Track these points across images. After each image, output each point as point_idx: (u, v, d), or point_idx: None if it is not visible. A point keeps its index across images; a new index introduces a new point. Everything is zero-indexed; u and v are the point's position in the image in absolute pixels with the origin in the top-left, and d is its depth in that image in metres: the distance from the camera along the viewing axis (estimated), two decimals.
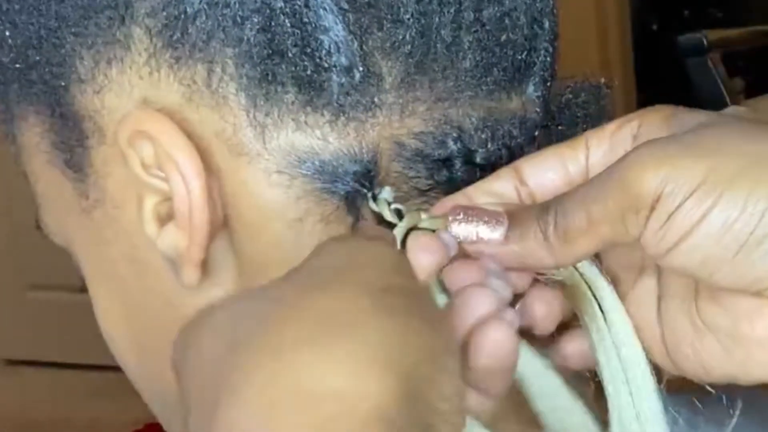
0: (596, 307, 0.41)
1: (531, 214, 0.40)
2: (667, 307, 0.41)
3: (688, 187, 0.37)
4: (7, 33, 0.46)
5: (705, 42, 1.73)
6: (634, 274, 0.42)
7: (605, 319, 0.41)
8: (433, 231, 0.40)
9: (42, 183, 0.48)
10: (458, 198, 0.42)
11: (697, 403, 0.44)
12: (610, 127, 0.42)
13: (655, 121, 0.41)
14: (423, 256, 0.39)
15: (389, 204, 0.42)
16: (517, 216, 0.40)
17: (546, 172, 0.42)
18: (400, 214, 0.42)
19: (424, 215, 0.41)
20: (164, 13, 0.42)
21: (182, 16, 0.41)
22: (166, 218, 0.43)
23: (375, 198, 0.42)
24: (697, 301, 0.40)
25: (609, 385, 0.41)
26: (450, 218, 0.40)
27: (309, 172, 0.42)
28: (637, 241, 0.38)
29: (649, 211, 0.37)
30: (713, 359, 0.40)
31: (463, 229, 0.40)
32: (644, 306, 0.42)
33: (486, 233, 0.40)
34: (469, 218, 0.40)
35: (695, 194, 0.37)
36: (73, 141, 0.45)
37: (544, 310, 0.41)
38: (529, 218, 0.40)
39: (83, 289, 0.50)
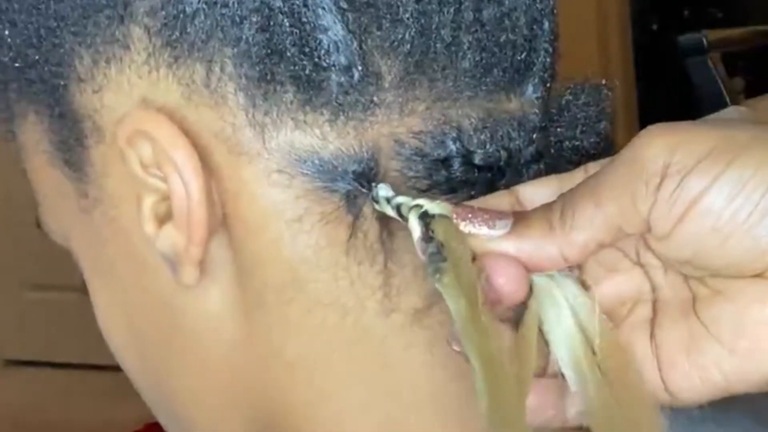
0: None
1: (536, 210, 0.40)
2: (660, 326, 0.40)
3: (699, 152, 0.37)
4: (7, 32, 0.46)
5: (705, 42, 1.73)
6: (627, 308, 0.41)
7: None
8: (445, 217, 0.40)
9: (42, 182, 0.48)
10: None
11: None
12: (613, 157, 0.42)
13: None
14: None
15: (388, 201, 0.42)
16: (523, 214, 0.40)
17: (541, 192, 0.41)
18: (400, 210, 0.41)
19: (422, 201, 0.41)
20: (163, 13, 0.42)
21: (181, 15, 0.41)
22: (164, 217, 0.43)
23: (375, 199, 0.42)
24: (696, 305, 0.40)
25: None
26: (455, 217, 0.40)
27: (309, 171, 0.42)
28: (644, 223, 0.38)
29: (660, 180, 0.37)
30: (712, 361, 0.39)
31: (469, 225, 0.40)
32: (636, 331, 0.41)
33: (491, 224, 0.40)
34: (475, 213, 0.40)
35: (708, 158, 0.36)
36: (72, 140, 0.45)
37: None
38: (535, 213, 0.40)
39: (83, 289, 0.50)
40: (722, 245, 0.37)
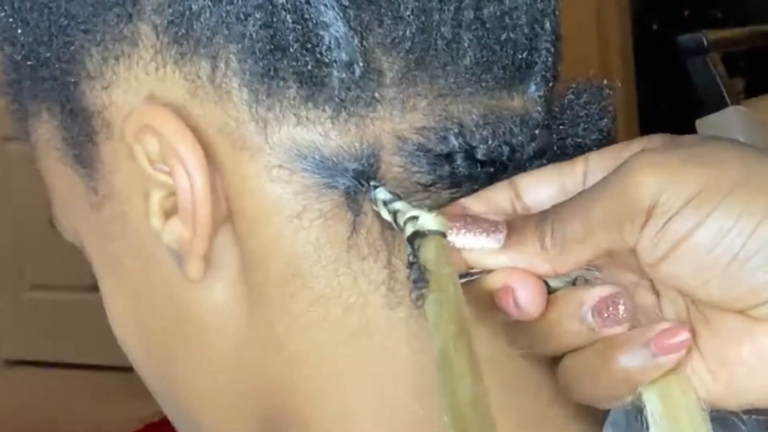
0: None
1: (529, 223, 0.41)
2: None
3: (685, 195, 0.38)
4: (19, 30, 0.46)
5: (705, 42, 1.73)
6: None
7: None
8: (442, 235, 0.41)
9: (54, 180, 0.49)
10: (456, 208, 0.42)
11: None
12: (614, 148, 0.43)
13: (656, 146, 0.41)
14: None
15: (386, 204, 0.42)
16: (515, 225, 0.41)
17: (542, 188, 0.43)
18: (396, 214, 0.42)
19: (419, 212, 0.41)
20: (170, 10, 0.42)
21: (187, 12, 0.42)
22: (171, 212, 0.43)
23: (372, 200, 0.42)
24: (690, 322, 0.41)
25: None
26: (450, 225, 0.41)
27: (309, 167, 0.42)
28: (632, 250, 0.39)
29: (646, 218, 0.38)
30: (699, 378, 0.40)
31: (462, 239, 0.41)
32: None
33: (485, 241, 0.41)
34: (469, 226, 0.41)
35: (692, 202, 0.38)
36: (82, 137, 0.46)
37: None
38: (527, 227, 0.41)
39: (83, 289, 0.51)
40: (703, 286, 0.38)
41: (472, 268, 0.41)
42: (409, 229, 0.41)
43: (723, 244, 0.37)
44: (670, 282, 0.40)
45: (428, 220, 0.41)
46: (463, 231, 0.41)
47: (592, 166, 0.42)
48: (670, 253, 0.38)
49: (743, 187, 0.38)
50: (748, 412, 0.41)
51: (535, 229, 0.40)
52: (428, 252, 0.40)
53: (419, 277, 0.40)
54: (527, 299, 0.40)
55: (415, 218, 0.41)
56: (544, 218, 0.40)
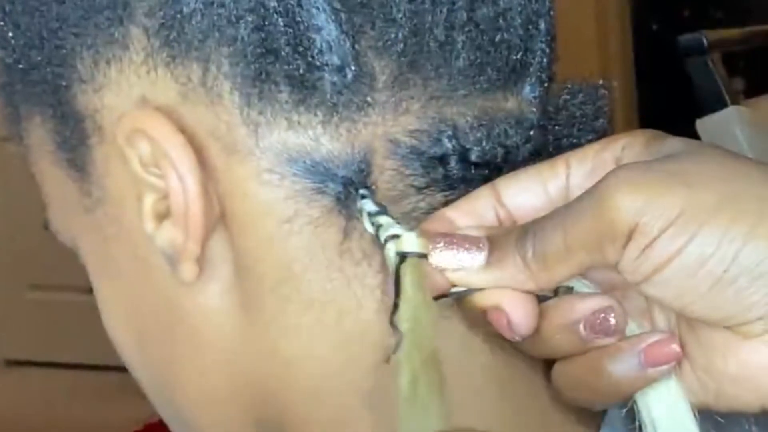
0: None
1: (510, 240, 0.41)
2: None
3: (664, 219, 0.38)
4: (10, 34, 0.46)
5: (705, 42, 1.72)
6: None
7: None
8: (424, 256, 0.40)
9: (48, 183, 0.49)
10: (438, 221, 0.42)
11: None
12: (594, 147, 0.43)
13: (637, 145, 0.42)
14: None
15: (370, 216, 0.42)
16: (496, 241, 0.41)
17: (524, 193, 0.43)
18: (379, 229, 0.41)
19: (400, 231, 0.41)
20: (161, 13, 0.42)
21: (178, 15, 0.42)
22: (164, 215, 0.43)
23: (358, 210, 0.42)
24: (679, 331, 0.41)
25: None
26: (431, 247, 0.41)
27: (299, 172, 0.42)
28: (615, 266, 0.39)
29: (626, 241, 0.38)
30: (689, 383, 0.40)
31: (444, 258, 0.41)
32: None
33: (467, 260, 0.41)
34: (450, 246, 0.41)
35: (672, 227, 0.38)
36: (74, 140, 0.46)
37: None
38: (509, 243, 0.40)
39: (83, 289, 0.50)
40: (687, 306, 0.39)
41: (455, 286, 0.41)
42: (390, 248, 0.41)
43: (704, 270, 0.38)
44: (654, 300, 0.40)
45: (409, 241, 0.41)
46: (444, 251, 0.41)
47: (574, 169, 0.42)
48: (651, 275, 0.38)
49: (723, 211, 0.38)
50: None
51: (516, 247, 0.40)
52: (406, 277, 0.40)
53: (396, 301, 0.40)
54: (520, 321, 0.40)
55: (396, 236, 0.41)
56: (525, 235, 0.40)
